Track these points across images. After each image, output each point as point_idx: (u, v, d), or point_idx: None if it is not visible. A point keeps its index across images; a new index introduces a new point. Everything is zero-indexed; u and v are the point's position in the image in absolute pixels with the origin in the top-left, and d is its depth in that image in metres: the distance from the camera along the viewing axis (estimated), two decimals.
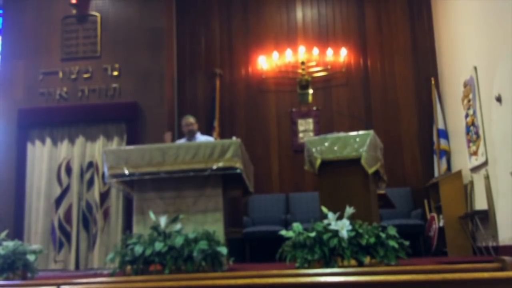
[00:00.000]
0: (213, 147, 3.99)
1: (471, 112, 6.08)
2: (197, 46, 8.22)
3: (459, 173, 6.51)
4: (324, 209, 3.40)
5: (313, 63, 7.88)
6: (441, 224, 6.49)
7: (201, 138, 5.36)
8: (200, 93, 8.06)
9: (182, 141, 5.39)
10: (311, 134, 7.67)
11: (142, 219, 4.05)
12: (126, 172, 4.02)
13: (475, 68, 5.89)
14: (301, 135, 7.75)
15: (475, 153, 6.00)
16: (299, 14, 8.18)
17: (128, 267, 3.35)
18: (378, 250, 3.19)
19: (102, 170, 6.69)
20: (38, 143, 7.21)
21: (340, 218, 3.29)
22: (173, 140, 5.31)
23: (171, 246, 3.26)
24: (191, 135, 5.35)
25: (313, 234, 3.21)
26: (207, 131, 7.19)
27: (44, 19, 7.57)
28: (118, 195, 6.88)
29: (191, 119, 5.39)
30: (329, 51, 7.81)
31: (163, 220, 3.45)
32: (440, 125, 7.13)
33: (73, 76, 7.35)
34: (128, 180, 4.12)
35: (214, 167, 3.93)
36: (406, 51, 7.86)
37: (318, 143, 4.26)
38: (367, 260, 3.20)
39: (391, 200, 5.07)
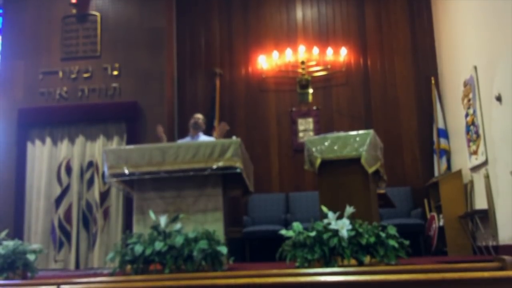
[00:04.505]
0: (213, 146, 3.99)
1: (471, 111, 6.08)
2: (197, 46, 8.23)
3: (459, 173, 6.50)
4: (324, 209, 3.40)
5: (313, 63, 7.88)
6: (441, 223, 6.49)
7: (203, 138, 5.40)
8: (200, 92, 8.06)
9: (186, 139, 5.43)
10: (311, 133, 7.67)
11: (142, 218, 4.06)
12: (126, 171, 4.02)
13: (475, 68, 5.89)
14: (301, 134, 7.75)
15: (475, 152, 6.00)
16: (299, 13, 8.18)
17: (128, 267, 3.35)
18: (378, 250, 3.19)
19: (102, 169, 6.69)
20: (38, 142, 7.21)
21: (340, 217, 3.29)
22: (165, 132, 5.44)
23: (171, 246, 3.26)
24: (195, 129, 5.42)
25: (313, 234, 3.21)
26: (207, 131, 7.18)
27: (44, 18, 7.57)
28: (118, 194, 6.88)
29: (199, 115, 5.58)
30: (329, 51, 7.81)
31: (163, 220, 3.44)
32: (440, 125, 7.13)
33: (73, 76, 7.35)
34: (128, 179, 4.12)
35: (214, 166, 3.94)
36: (406, 50, 7.86)
37: (318, 143, 4.26)
38: (367, 259, 3.20)
39: (391, 199, 5.07)
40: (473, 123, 6.03)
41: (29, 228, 6.94)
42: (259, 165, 7.04)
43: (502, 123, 5.20)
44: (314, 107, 7.81)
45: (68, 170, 7.04)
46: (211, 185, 4.09)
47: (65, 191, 6.96)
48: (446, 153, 7.05)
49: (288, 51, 7.89)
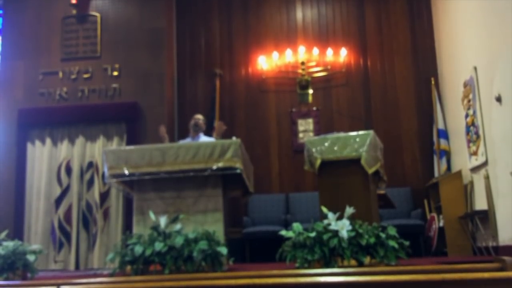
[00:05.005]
0: (213, 147, 3.99)
1: (471, 112, 6.08)
2: (197, 46, 8.23)
3: (459, 173, 6.50)
4: (324, 209, 3.40)
5: (313, 63, 7.88)
6: (441, 224, 6.49)
7: (204, 138, 5.42)
8: (200, 93, 8.06)
9: (186, 140, 5.44)
10: (311, 134, 7.67)
11: (142, 219, 4.06)
12: (126, 172, 4.02)
13: (475, 68, 5.89)
14: (301, 135, 7.75)
15: (475, 153, 6.00)
16: (299, 14, 8.18)
17: (128, 267, 3.35)
18: (378, 250, 3.19)
19: (102, 170, 6.69)
20: (38, 143, 7.21)
21: (340, 218, 3.29)
22: (166, 132, 5.48)
23: (171, 246, 3.27)
24: (195, 130, 5.46)
25: (313, 234, 3.21)
26: (207, 131, 7.18)
27: (44, 19, 7.57)
28: (118, 195, 6.88)
29: (200, 116, 5.65)
30: (329, 51, 7.81)
31: (163, 220, 3.45)
32: (440, 125, 7.13)
33: (73, 76, 7.35)
34: (128, 180, 4.12)
35: (214, 167, 3.94)
36: (406, 51, 7.86)
37: (318, 143, 4.26)
38: (367, 260, 3.20)
39: (391, 200, 5.07)
40: (473, 124, 6.03)
41: (29, 229, 6.93)
42: (259, 166, 7.04)
43: (502, 123, 5.20)
44: (314, 108, 7.81)
45: (68, 170, 7.04)
46: (211, 185, 4.09)
47: (65, 191, 6.96)
48: (446, 153, 7.05)
49: (288, 52, 7.89)
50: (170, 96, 7.54)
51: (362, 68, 7.89)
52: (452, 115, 7.00)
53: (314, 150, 4.25)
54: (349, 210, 3.35)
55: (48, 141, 7.18)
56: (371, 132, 4.23)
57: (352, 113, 7.69)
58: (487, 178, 5.58)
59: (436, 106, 7.21)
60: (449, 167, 6.98)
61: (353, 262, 3.18)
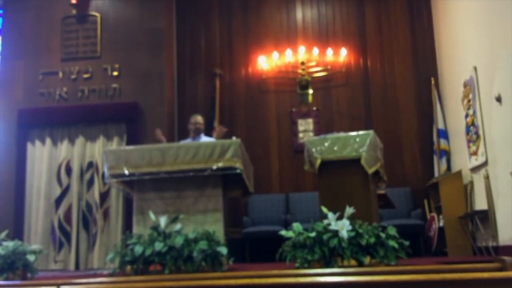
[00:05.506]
0: (213, 147, 3.99)
1: (471, 112, 6.08)
2: (197, 46, 8.23)
3: (459, 173, 6.51)
4: (324, 209, 3.40)
5: (313, 63, 7.88)
6: (441, 224, 6.49)
7: (204, 139, 5.42)
8: (200, 93, 8.06)
9: (187, 141, 5.44)
10: (311, 134, 7.67)
11: (142, 219, 4.06)
12: (126, 172, 4.03)
13: (475, 68, 5.89)
14: (301, 135, 7.75)
15: (475, 153, 6.00)
16: (299, 14, 8.18)
17: (128, 267, 3.35)
18: (378, 250, 3.19)
19: (102, 170, 6.69)
20: (38, 143, 7.21)
21: (340, 218, 3.29)
22: (164, 133, 5.46)
23: (171, 246, 3.26)
24: (196, 134, 5.47)
25: (313, 234, 3.21)
26: (207, 131, 7.19)
27: (44, 19, 7.57)
28: (118, 195, 6.88)
29: (199, 118, 5.59)
30: (329, 51, 7.81)
31: (163, 220, 3.44)
32: (440, 125, 7.13)
33: (73, 76, 7.35)
34: (128, 180, 4.13)
35: (214, 167, 3.94)
36: (406, 51, 7.86)
37: (318, 143, 4.26)
38: (367, 260, 3.20)
39: (391, 200, 5.07)
40: (473, 124, 6.03)
41: (29, 229, 6.93)
42: (259, 166, 7.04)
43: (502, 123, 5.20)
44: (314, 108, 7.81)
45: (68, 170, 7.03)
46: (211, 185, 4.09)
47: (65, 191, 6.96)
48: (446, 153, 7.05)
49: (288, 52, 7.89)
50: (170, 96, 7.54)
51: (362, 68, 7.89)
52: (452, 115, 7.00)
53: (314, 150, 4.25)
54: (349, 210, 3.35)
55: (48, 141, 7.18)
56: (371, 132, 4.23)
57: (352, 113, 7.70)
58: (487, 178, 5.58)
59: (436, 106, 7.21)
60: (449, 167, 6.98)
61: (353, 262, 3.18)
